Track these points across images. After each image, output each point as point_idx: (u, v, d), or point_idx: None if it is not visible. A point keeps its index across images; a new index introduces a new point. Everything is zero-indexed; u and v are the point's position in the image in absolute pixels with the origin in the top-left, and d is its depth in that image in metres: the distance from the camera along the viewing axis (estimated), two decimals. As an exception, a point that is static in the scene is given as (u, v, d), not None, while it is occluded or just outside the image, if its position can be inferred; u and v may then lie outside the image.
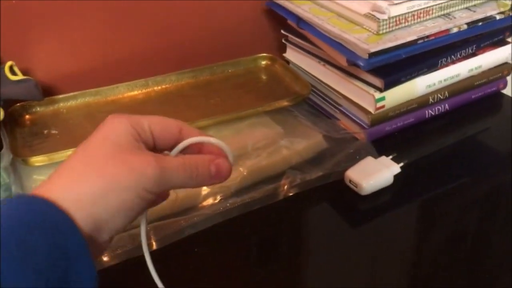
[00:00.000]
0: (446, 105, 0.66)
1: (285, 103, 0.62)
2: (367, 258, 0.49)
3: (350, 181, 0.55)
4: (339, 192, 0.55)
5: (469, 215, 0.54)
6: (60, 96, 0.63)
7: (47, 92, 0.63)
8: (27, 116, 0.61)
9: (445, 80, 0.64)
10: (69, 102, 0.63)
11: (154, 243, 0.48)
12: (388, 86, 0.59)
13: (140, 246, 0.46)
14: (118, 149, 0.30)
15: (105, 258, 0.46)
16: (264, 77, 0.71)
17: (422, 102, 0.64)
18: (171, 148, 0.34)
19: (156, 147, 0.33)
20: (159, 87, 0.68)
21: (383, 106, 0.60)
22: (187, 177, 0.32)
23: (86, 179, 0.29)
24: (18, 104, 0.60)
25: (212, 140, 0.34)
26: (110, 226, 0.30)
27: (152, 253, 0.36)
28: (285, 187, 0.55)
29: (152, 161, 0.30)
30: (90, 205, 0.29)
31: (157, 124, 0.33)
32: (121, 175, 0.29)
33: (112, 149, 0.30)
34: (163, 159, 0.31)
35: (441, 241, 0.50)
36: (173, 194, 0.52)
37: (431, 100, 0.64)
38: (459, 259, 0.48)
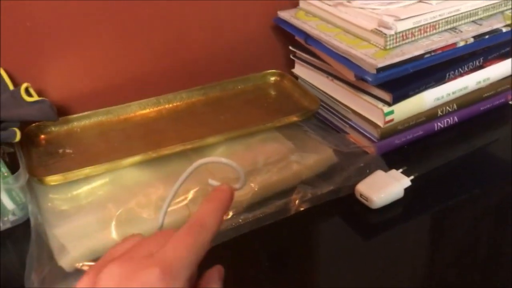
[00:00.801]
0: (455, 117, 0.67)
1: (294, 118, 0.63)
2: (379, 272, 0.49)
3: (360, 195, 0.55)
4: (350, 206, 0.56)
5: (480, 226, 0.54)
6: (74, 115, 0.64)
7: (62, 112, 0.64)
8: (42, 136, 0.62)
9: (453, 93, 0.65)
10: (82, 121, 0.65)
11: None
12: (396, 100, 0.60)
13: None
14: None
15: None
16: (273, 93, 0.72)
17: (431, 115, 0.64)
18: None
19: None
20: (170, 105, 0.69)
21: (392, 120, 0.60)
22: None
23: None
24: (33, 124, 0.62)
25: (223, 160, 0.35)
26: None
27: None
28: (296, 202, 0.55)
29: None
30: None
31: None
32: None
33: None
34: None
35: (453, 253, 0.51)
36: (186, 210, 0.53)
37: (439, 112, 0.65)
38: (470, 271, 0.48)
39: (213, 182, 0.37)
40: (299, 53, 0.72)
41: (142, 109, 0.68)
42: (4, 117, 0.53)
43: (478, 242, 0.52)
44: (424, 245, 0.52)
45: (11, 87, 0.58)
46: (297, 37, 0.69)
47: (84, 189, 0.54)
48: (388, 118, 0.60)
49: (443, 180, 0.60)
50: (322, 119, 0.69)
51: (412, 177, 0.57)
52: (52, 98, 0.63)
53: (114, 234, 0.49)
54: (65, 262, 0.47)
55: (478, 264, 0.49)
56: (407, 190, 0.56)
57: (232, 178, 0.56)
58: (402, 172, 0.57)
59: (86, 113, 0.65)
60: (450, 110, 0.66)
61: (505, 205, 0.56)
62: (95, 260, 0.48)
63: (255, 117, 0.65)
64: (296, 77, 0.74)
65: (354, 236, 0.54)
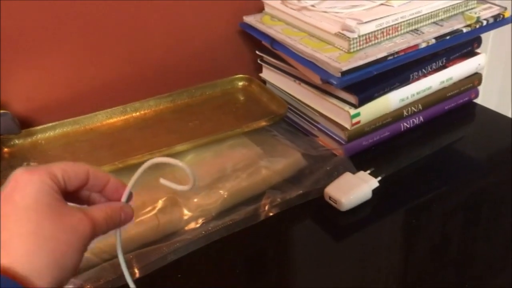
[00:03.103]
0: (421, 117, 0.68)
1: (263, 123, 0.63)
2: (352, 272, 0.49)
3: (329, 197, 0.55)
4: (320, 209, 0.56)
5: (450, 223, 0.55)
6: (38, 127, 0.63)
7: (25, 123, 0.63)
8: (5, 150, 0.61)
9: (417, 93, 0.66)
10: (47, 133, 0.63)
11: (137, 271, 0.48)
12: (362, 102, 0.60)
13: (122, 275, 0.47)
14: (50, 210, 0.31)
15: (88, 290, 0.46)
16: (241, 98, 0.72)
17: (397, 115, 0.65)
18: (77, 190, 0.35)
19: (66, 191, 0.34)
20: (138, 113, 0.68)
21: (358, 122, 0.61)
22: (110, 228, 0.35)
23: (37, 247, 0.30)
24: (-5, 137, 0.60)
25: (178, 163, 0.35)
26: (63, 281, 0.31)
27: (136, 281, 0.37)
28: (266, 207, 0.55)
29: (84, 218, 0.32)
30: (46, 270, 0.30)
31: (68, 172, 0.33)
32: (63, 238, 0.31)
33: (46, 211, 0.31)
34: (90, 214, 0.33)
35: (424, 251, 0.51)
36: (155, 220, 0.52)
37: (405, 113, 0.66)
38: (443, 267, 0.49)
39: (165, 182, 0.36)
40: (266, 57, 0.72)
41: (109, 118, 0.67)
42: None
43: (449, 238, 0.53)
44: (395, 244, 0.53)
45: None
46: (263, 42, 0.70)
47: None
48: (355, 120, 0.61)
49: (411, 179, 0.61)
50: (290, 123, 0.69)
51: (379, 178, 0.57)
52: (15, 110, 0.62)
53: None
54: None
55: (450, 260, 0.50)
56: (375, 191, 0.56)
57: (200, 187, 0.56)
58: (369, 174, 0.58)
59: (50, 124, 0.64)
60: (415, 110, 0.67)
61: (473, 201, 0.58)
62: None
63: (224, 123, 0.65)
64: (264, 81, 0.74)
65: (325, 238, 0.54)
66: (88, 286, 0.46)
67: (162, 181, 0.36)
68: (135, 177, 0.36)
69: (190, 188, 0.36)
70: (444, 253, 0.51)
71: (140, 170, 0.36)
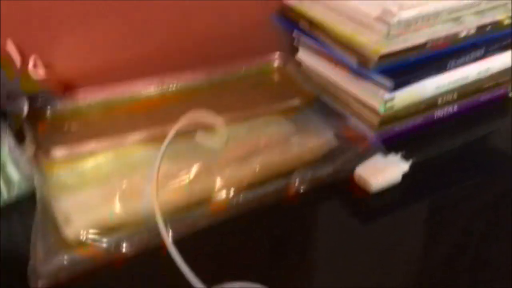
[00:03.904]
0: (455, 107, 0.68)
1: (297, 102, 0.64)
2: (374, 255, 0.50)
3: (359, 178, 0.56)
4: (348, 190, 0.57)
5: (476, 216, 0.55)
6: (79, 92, 0.65)
7: (67, 87, 0.65)
8: (47, 111, 0.63)
9: (454, 82, 0.66)
10: (87, 98, 0.65)
11: (171, 234, 0.50)
12: (397, 87, 0.61)
13: (156, 237, 0.49)
14: None
15: (125, 247, 0.48)
16: (276, 77, 0.73)
17: (431, 103, 0.65)
18: None
19: None
20: (174, 86, 0.70)
21: (392, 107, 0.62)
22: None
23: None
24: (39, 98, 0.63)
25: (214, 118, 0.36)
26: None
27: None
28: (296, 183, 0.56)
29: None
30: None
31: None
32: None
33: None
34: None
35: (448, 241, 0.52)
36: (188, 187, 0.54)
37: (440, 101, 0.66)
38: (465, 260, 0.50)
39: (201, 138, 0.37)
40: (303, 38, 0.73)
41: (146, 88, 0.68)
42: (13, 90, 0.54)
43: (474, 231, 0.53)
44: (420, 231, 0.53)
45: (18, 59, 0.59)
46: (301, 23, 0.70)
47: (89, 164, 0.55)
48: (389, 105, 0.61)
49: (441, 168, 0.61)
50: (323, 104, 0.70)
51: (410, 163, 0.58)
52: (58, 72, 0.64)
53: (118, 207, 0.51)
54: (69, 233, 0.49)
55: (473, 253, 0.50)
56: (405, 175, 0.57)
57: (233, 159, 0.58)
58: (401, 158, 0.58)
59: (91, 90, 0.66)
60: (450, 99, 0.67)
61: (501, 195, 0.58)
62: (99, 231, 0.49)
63: (258, 101, 0.66)
64: (300, 62, 0.75)
65: (352, 219, 0.55)
66: (125, 243, 0.48)
67: (198, 137, 0.37)
68: (173, 131, 0.37)
69: (223, 145, 0.37)
70: (466, 247, 0.51)
71: (179, 124, 0.37)
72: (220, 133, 0.60)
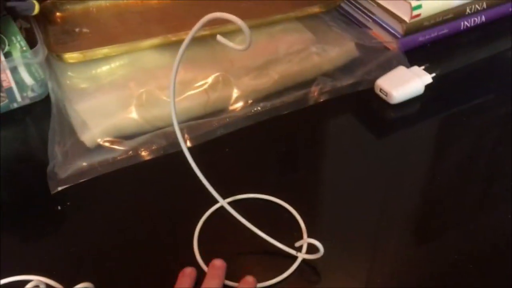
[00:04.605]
0: (483, 16, 0.64)
1: (317, 9, 0.61)
2: (390, 166, 0.49)
3: (380, 89, 0.55)
4: (369, 101, 0.56)
5: (493, 131, 0.53)
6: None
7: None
8: (57, 14, 0.61)
9: (484, -10, 0.62)
10: (98, 1, 0.63)
11: (187, 141, 0.50)
12: (425, -7, 0.57)
13: (174, 143, 0.48)
14: None
15: (142, 153, 0.48)
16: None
17: (459, 12, 0.62)
18: None
19: None
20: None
21: (419, 15, 0.58)
22: None
23: None
24: (48, 1, 0.60)
25: (237, 21, 0.33)
26: None
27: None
28: (315, 93, 0.55)
29: None
30: None
31: None
32: None
33: None
34: None
35: (462, 155, 0.51)
36: (205, 95, 0.53)
37: (468, 10, 0.62)
38: (475, 174, 0.49)
39: (222, 39, 0.35)
40: None
41: (160, -8, 0.65)
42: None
43: (486, 147, 0.52)
44: (437, 144, 0.52)
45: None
46: None
47: (103, 68, 0.54)
48: (416, 12, 0.58)
49: (464, 80, 0.59)
50: (344, 13, 0.67)
51: (433, 74, 0.56)
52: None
53: (134, 114, 0.50)
54: (86, 138, 0.48)
55: (484, 168, 0.49)
56: (427, 87, 0.55)
57: (251, 68, 0.56)
58: (423, 69, 0.56)
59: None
60: (479, 8, 0.63)
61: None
62: (115, 137, 0.49)
63: (277, 7, 0.63)
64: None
65: (370, 131, 0.54)
66: (142, 149, 0.48)
67: (219, 38, 0.35)
68: (193, 32, 0.35)
69: (245, 49, 0.35)
70: (477, 162, 0.50)
71: (198, 25, 0.34)
72: (243, 35, 0.58)
